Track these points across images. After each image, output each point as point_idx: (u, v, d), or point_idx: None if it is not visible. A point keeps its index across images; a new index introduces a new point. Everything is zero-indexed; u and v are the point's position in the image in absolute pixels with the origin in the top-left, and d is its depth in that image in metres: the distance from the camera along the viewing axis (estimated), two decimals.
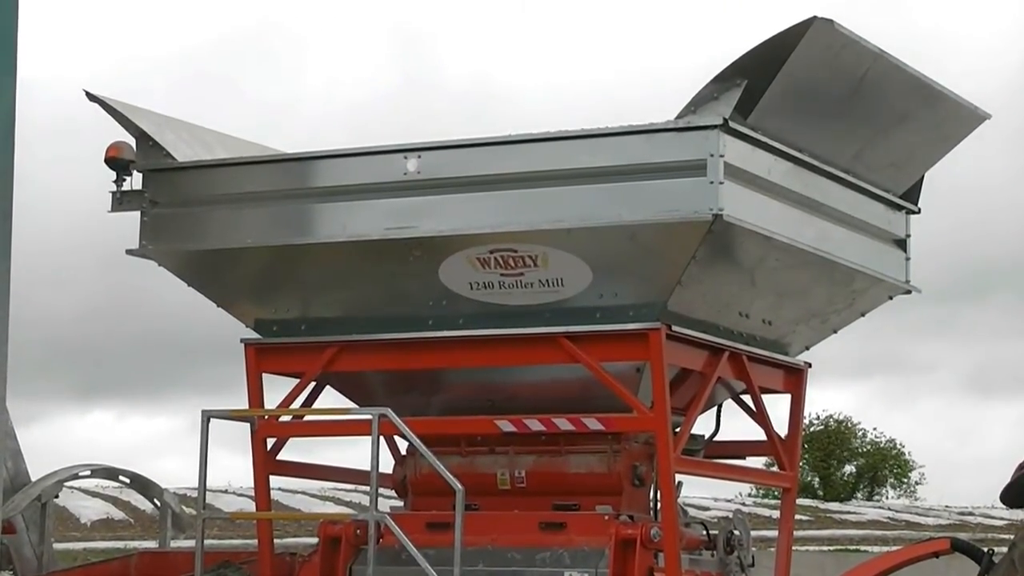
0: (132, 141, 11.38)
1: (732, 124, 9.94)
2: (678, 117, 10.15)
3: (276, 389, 11.30)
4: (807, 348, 11.82)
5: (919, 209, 11.75)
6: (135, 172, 11.39)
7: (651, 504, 11.03)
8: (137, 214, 11.39)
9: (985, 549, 9.83)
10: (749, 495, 48.89)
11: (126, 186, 11.38)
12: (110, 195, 11.41)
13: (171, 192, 11.34)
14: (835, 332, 11.83)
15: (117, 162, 11.33)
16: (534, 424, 10.66)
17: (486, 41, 72.32)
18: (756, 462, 12.19)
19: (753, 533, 11.45)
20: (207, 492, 11.02)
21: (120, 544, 28.63)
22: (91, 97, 11.39)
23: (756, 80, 10.03)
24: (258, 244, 11.04)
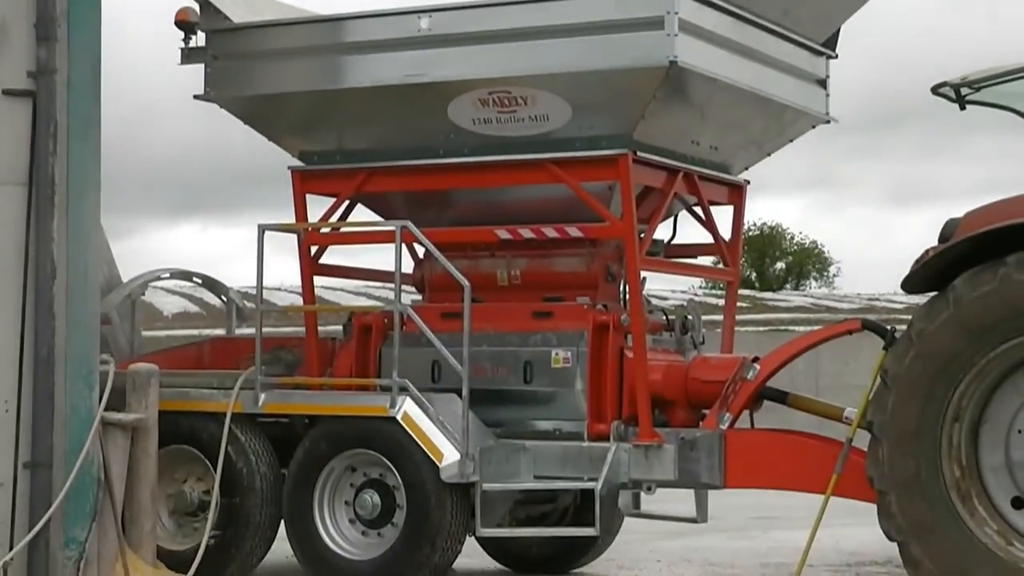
0: (196, 7, 11.28)
1: None
2: None
3: (318, 207, 11.33)
4: (746, 168, 11.78)
5: (837, 55, 11.67)
6: (199, 32, 11.31)
7: (621, 296, 11.09)
8: (202, 66, 11.33)
9: (889, 327, 9.90)
10: (700, 287, 49.08)
11: (192, 44, 11.32)
12: (179, 51, 11.35)
13: (229, 48, 11.24)
14: (769, 155, 11.79)
15: (185, 24, 11.24)
16: (526, 232, 10.68)
17: None
18: (706, 261, 12.20)
19: (703, 318, 11.52)
20: (264, 290, 11.07)
21: (195, 332, 28.79)
22: None
23: None
24: (300, 90, 10.97)
